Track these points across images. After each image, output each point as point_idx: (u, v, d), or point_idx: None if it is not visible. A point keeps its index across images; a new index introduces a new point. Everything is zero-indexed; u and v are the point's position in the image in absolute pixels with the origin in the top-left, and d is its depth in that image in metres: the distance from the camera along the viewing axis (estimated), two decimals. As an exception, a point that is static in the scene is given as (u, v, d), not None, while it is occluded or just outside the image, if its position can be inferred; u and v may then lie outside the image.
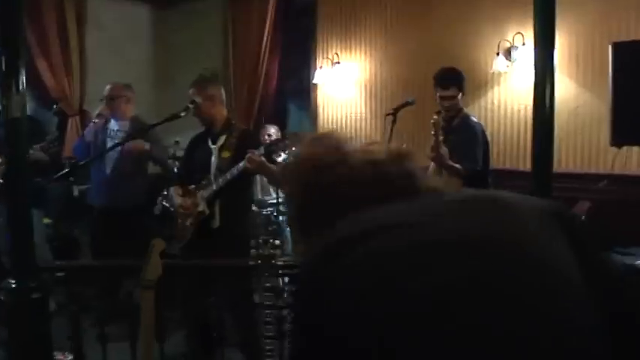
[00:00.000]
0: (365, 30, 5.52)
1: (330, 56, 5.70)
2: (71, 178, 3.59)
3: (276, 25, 6.07)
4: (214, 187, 3.18)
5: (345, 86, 5.65)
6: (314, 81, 5.80)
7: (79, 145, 4.32)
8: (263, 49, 6.02)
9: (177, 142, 5.22)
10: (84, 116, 6.13)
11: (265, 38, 6.02)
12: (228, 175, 3.14)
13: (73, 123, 6.08)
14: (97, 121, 4.21)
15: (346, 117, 5.70)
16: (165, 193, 4.97)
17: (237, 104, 6.32)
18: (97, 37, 6.28)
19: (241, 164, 3.07)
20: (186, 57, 6.86)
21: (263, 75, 6.09)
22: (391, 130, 3.58)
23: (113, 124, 4.25)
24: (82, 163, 3.79)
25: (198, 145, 3.40)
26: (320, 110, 5.87)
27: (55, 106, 4.67)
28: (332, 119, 5.79)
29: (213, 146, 3.28)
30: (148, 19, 7.05)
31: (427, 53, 5.12)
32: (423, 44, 5.17)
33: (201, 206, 3.18)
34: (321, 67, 5.71)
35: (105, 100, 4.22)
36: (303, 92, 6.05)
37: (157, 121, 3.15)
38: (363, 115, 5.60)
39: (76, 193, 5.85)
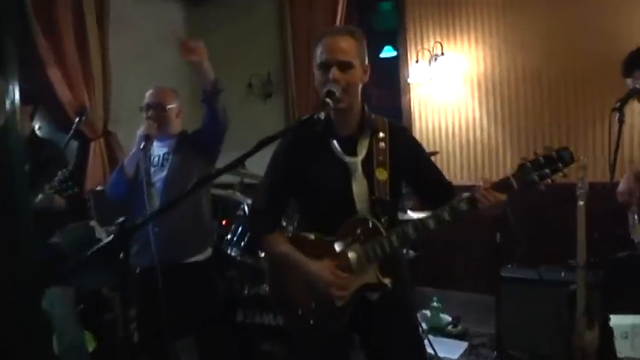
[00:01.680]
0: (474, 9, 4.35)
1: (428, 47, 4.47)
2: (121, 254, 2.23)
3: (350, 14, 4.93)
4: (395, 241, 1.87)
5: (450, 84, 4.47)
6: (408, 80, 4.57)
7: (118, 181, 3.02)
8: (334, 45, 4.77)
9: (243, 166, 3.93)
10: (109, 139, 4.95)
11: (336, 30, 4.78)
12: (431, 222, 1.84)
13: (96, 148, 4.91)
14: (143, 144, 2.89)
15: (453, 124, 4.49)
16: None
17: (302, 115, 5.07)
18: (121, 39, 5.20)
19: (463, 205, 1.81)
20: (228, 61, 5.68)
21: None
22: (619, 131, 2.34)
23: (158, 147, 3.06)
24: (140, 221, 2.22)
25: (308, 158, 2.03)
26: (415, 116, 4.67)
27: (81, 117, 3.32)
28: (432, 127, 4.58)
29: (350, 159, 1.97)
30: (181, 17, 5.95)
31: (567, 34, 3.98)
32: (561, 22, 4.01)
33: (374, 275, 1.91)
34: (417, 62, 4.49)
35: (149, 112, 2.98)
36: (390, 95, 4.82)
37: (270, 135, 1.77)
38: (477, 120, 4.38)
39: (101, 235, 4.65)
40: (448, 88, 4.48)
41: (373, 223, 1.90)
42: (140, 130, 2.90)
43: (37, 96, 3.37)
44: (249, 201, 3.77)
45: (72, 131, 3.06)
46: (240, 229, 3.54)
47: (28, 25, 4.47)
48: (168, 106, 3.01)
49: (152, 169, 2.99)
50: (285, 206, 2.15)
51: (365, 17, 5.19)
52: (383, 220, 1.92)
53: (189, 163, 2.93)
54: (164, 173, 2.95)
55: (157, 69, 5.43)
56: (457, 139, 4.46)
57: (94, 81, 4.86)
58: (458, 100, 4.45)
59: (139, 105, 3.06)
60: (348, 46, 1.93)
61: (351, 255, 1.90)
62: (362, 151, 1.98)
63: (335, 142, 1.99)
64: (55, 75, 4.61)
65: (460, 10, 4.38)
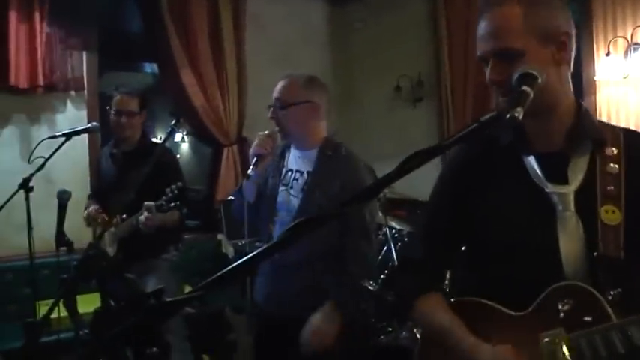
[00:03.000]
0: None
1: (624, 34, 3.56)
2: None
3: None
4: (637, 336, 1.05)
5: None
6: (595, 77, 3.68)
7: (238, 205, 2.40)
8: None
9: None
10: (243, 146, 4.62)
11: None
12: None
13: (229, 155, 4.59)
14: (253, 169, 2.16)
15: (657, 133, 3.46)
16: None
17: (458, 123, 4.39)
18: (258, 39, 4.88)
19: None
20: (374, 63, 5.16)
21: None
22: None
23: (294, 158, 2.31)
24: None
25: (486, 185, 1.34)
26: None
27: (178, 119, 2.64)
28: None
29: (556, 188, 1.24)
30: (323, 16, 5.50)
31: None
32: None
33: None
34: (607, 55, 3.59)
35: (269, 114, 2.26)
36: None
37: (428, 148, 0.99)
38: (693, 128, 3.34)
39: (227, 250, 4.31)
40: (650, 87, 3.52)
41: (594, 298, 1.14)
42: (252, 147, 2.21)
43: (142, 91, 3.14)
44: (394, 223, 3.14)
45: (167, 134, 2.64)
46: (380, 256, 2.93)
47: (162, 25, 4.29)
48: (291, 104, 2.16)
49: (280, 189, 2.27)
50: (451, 257, 1.48)
51: None
52: (613, 293, 1.15)
53: (329, 195, 2.13)
54: (294, 201, 2.21)
55: (296, 71, 5.04)
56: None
57: (228, 83, 4.57)
58: (664, 102, 3.47)
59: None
60: (507, 23, 1.21)
61: (547, 345, 1.15)
62: (576, 177, 1.24)
63: (531, 160, 1.28)
64: (187, 77, 4.37)
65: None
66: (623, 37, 3.57)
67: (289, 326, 2.15)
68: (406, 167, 0.87)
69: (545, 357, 1.15)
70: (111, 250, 2.78)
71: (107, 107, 3.07)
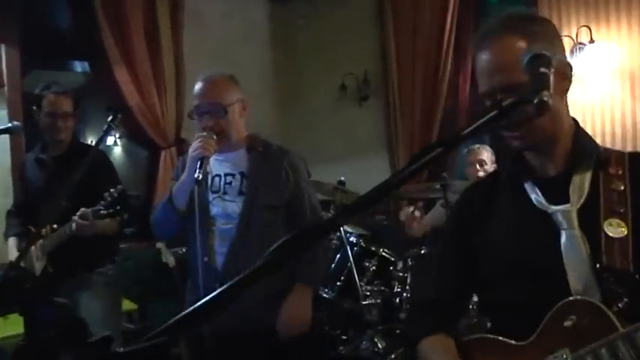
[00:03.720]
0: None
1: (569, 33, 3.57)
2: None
3: (467, 5, 4.21)
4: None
5: (601, 80, 3.54)
6: (543, 75, 3.66)
7: (165, 218, 2.14)
8: (445, 43, 4.18)
9: (341, 183, 3.13)
10: (182, 148, 4.40)
11: (448, 26, 4.16)
12: None
13: (167, 158, 4.35)
14: (199, 173, 1.92)
15: (603, 130, 3.59)
16: None
17: (405, 121, 4.32)
18: (197, 38, 4.67)
19: None
20: (318, 61, 5.04)
21: (446, 81, 4.21)
22: None
23: (217, 162, 2.16)
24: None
25: (489, 214, 1.30)
26: (552, 122, 3.70)
27: (115, 114, 2.29)
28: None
29: (558, 208, 1.18)
30: (265, 14, 5.34)
31: None
32: None
33: None
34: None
35: (203, 121, 2.06)
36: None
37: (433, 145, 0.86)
38: (638, 126, 3.39)
39: (167, 259, 4.07)
40: (598, 84, 3.52)
41: (599, 311, 1.05)
42: (193, 149, 1.98)
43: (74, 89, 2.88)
44: (348, 227, 3.00)
45: (103, 132, 2.37)
46: (334, 264, 2.78)
47: (94, 20, 4.00)
48: (229, 105, 2.05)
49: (211, 196, 2.11)
50: (465, 297, 1.44)
51: (483, 2, 4.36)
52: (620, 305, 1.07)
53: (274, 193, 2.08)
54: (232, 206, 2.08)
55: (237, 70, 4.81)
56: (609, 151, 3.51)
57: (165, 82, 4.32)
58: (611, 100, 3.49)
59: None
60: (511, 56, 1.14)
61: None
62: (578, 195, 1.19)
63: (533, 185, 1.24)
64: (122, 75, 4.09)
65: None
66: (569, 37, 3.58)
67: (252, 340, 2.00)
68: (419, 162, 0.74)
69: None
70: (39, 266, 2.49)
71: (34, 107, 2.77)
